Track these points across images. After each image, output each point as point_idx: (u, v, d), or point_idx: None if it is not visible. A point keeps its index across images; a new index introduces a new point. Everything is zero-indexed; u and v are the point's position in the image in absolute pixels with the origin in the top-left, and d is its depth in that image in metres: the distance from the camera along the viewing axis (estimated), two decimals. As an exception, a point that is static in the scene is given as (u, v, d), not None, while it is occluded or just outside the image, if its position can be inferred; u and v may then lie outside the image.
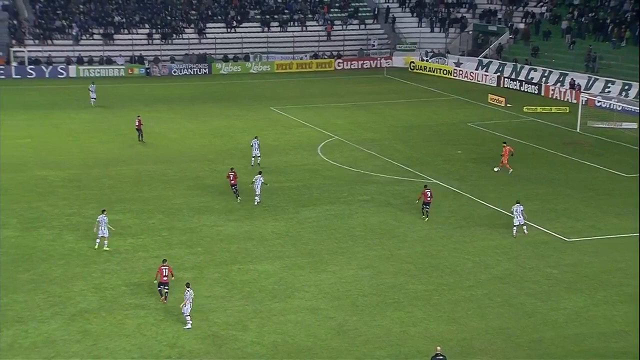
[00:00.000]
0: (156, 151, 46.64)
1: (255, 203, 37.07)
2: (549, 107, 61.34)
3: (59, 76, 72.10)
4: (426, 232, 34.54)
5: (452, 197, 39.34)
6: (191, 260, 30.70)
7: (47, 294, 27.29)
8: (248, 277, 29.32)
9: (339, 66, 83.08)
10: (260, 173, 37.95)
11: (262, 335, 25.07)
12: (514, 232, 33.76)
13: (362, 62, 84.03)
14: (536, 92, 68.15)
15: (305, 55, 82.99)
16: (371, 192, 39.88)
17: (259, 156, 43.75)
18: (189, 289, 25.56)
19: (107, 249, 31.35)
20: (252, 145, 43.98)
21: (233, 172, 37.78)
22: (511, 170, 43.05)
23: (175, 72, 76.77)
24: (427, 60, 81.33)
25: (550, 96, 66.64)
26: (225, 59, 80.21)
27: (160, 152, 46.40)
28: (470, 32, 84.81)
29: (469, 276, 29.96)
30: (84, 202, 36.99)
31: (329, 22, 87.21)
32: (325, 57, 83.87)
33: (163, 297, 27.00)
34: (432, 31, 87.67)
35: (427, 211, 35.76)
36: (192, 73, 77.27)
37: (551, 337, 25.27)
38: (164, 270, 26.97)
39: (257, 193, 37.09)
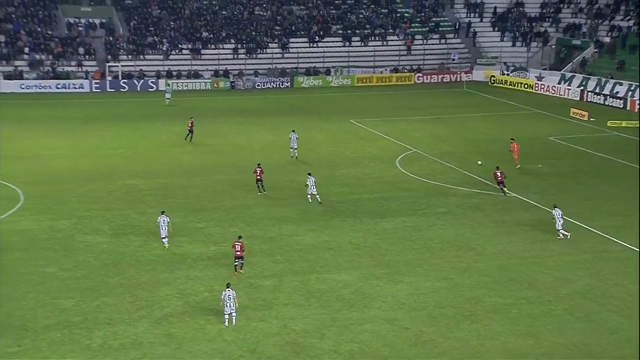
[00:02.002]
0: (239, 162, 47.88)
1: (309, 199, 39.29)
2: (634, 122, 59.79)
3: (149, 89, 74.83)
4: (504, 245, 34.35)
5: (532, 211, 38.94)
6: (271, 269, 31.48)
7: (135, 297, 28.46)
8: (326, 286, 29.85)
9: (419, 80, 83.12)
10: (310, 174, 39.97)
11: (339, 343, 25.49)
12: (561, 235, 34.57)
13: (442, 76, 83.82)
14: (621, 107, 66.52)
15: (386, 69, 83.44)
16: (449, 204, 39.91)
17: (296, 149, 47.97)
18: (228, 290, 26.32)
19: (167, 245, 33.13)
20: (290, 139, 47.93)
21: (260, 167, 40.78)
22: (518, 166, 45.52)
23: (258, 85, 78.50)
24: (508, 74, 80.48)
25: (636, 111, 64.89)
26: (307, 73, 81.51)
27: (243, 162, 47.59)
28: (553, 46, 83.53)
29: (548, 291, 29.67)
30: (170, 210, 38.17)
31: (409, 36, 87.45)
32: (405, 71, 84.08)
33: (238, 270, 30.29)
34: (513, 45, 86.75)
35: (503, 189, 40.04)
36: (274, 86, 78.82)
37: (635, 355, 24.76)
38: (236, 245, 30.35)
39: (314, 193, 39.17)
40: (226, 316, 26.37)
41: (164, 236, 33.19)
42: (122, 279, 30.08)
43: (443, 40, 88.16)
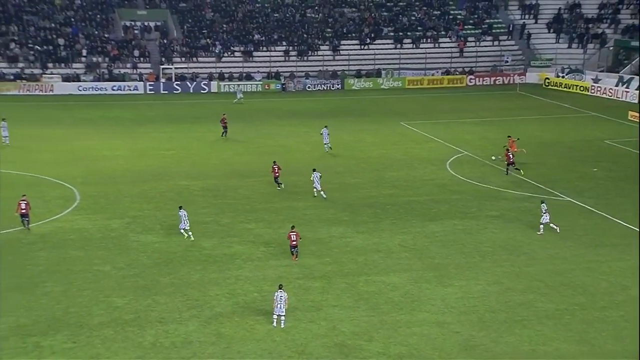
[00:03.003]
0: (289, 163, 48.07)
1: (323, 197, 40.12)
2: (695, 125, 58.20)
3: (202, 91, 75.80)
4: (557, 250, 33.75)
5: (586, 216, 38.20)
6: (320, 270, 31.52)
7: (186, 297, 28.79)
8: (375, 289, 29.75)
9: (471, 82, 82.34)
10: (315, 170, 40.71)
11: (388, 346, 25.38)
12: (541, 230, 35.11)
13: (494, 78, 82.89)
14: (682, 109, 64.69)
15: (437, 72, 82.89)
16: (500, 208, 39.40)
17: (328, 143, 50.19)
18: (280, 291, 26.44)
19: (192, 239, 34.14)
20: (322, 134, 50.31)
21: (277, 165, 42.07)
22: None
23: (309, 87, 78.80)
24: (563, 77, 79.14)
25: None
26: (358, 75, 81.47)
27: (292, 164, 47.80)
28: (611, 48, 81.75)
29: (603, 297, 29.04)
30: (220, 210, 38.77)
31: (462, 38, 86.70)
32: (457, 73, 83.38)
33: (294, 257, 31.83)
34: (569, 47, 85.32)
35: (509, 169, 43.08)
36: (325, 88, 79.02)
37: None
38: (292, 235, 31.97)
39: (318, 189, 40.04)
40: (275, 317, 26.50)
41: (185, 228, 34.33)
42: (174, 278, 30.47)
43: (496, 42, 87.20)
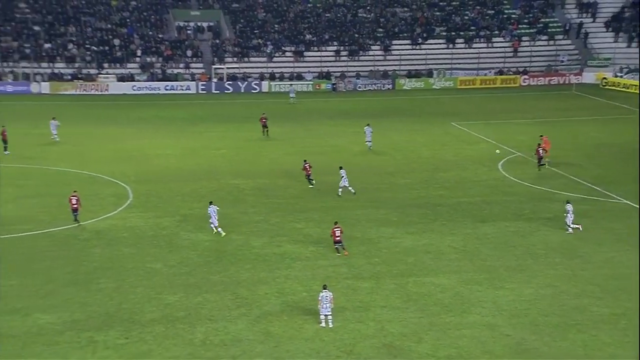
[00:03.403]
0: (337, 163, 47.97)
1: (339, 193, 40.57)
2: None
3: (253, 91, 76.37)
4: (613, 253, 32.95)
5: (644, 219, 37.18)
6: (369, 270, 31.38)
7: (235, 295, 28.97)
8: (424, 290, 29.48)
9: (525, 82, 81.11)
10: (341, 167, 41.22)
11: (437, 348, 25.12)
12: (570, 229, 35.13)
13: (549, 78, 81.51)
14: None
15: (490, 72, 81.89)
16: (554, 210, 38.63)
17: (370, 141, 50.67)
18: (324, 291, 26.38)
19: (223, 234, 34.74)
20: (365, 132, 50.76)
21: (307, 164, 42.51)
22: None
23: (359, 87, 78.67)
24: (621, 77, 77.32)
25: None
26: (409, 75, 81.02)
27: (341, 164, 47.68)
28: (672, 47, 79.72)
29: (660, 302, 28.23)
30: (270, 210, 38.94)
31: (516, 38, 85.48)
32: (511, 73, 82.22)
33: (343, 252, 32.31)
34: (628, 46, 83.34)
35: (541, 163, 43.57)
36: (376, 88, 78.79)
37: None
38: (336, 231, 32.46)
39: (346, 185, 40.48)
40: (322, 317, 26.48)
41: (215, 224, 34.76)
42: (224, 276, 30.70)
43: (551, 42, 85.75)
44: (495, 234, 35.40)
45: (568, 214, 35.40)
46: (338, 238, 32.56)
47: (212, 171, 46.27)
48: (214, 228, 35.06)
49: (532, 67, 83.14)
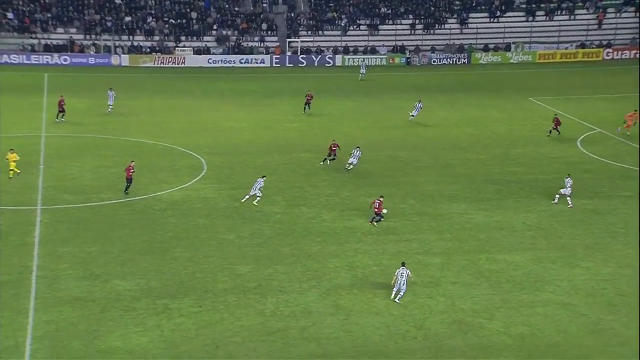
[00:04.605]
0: (410, 138, 47.69)
1: (349, 168, 40.31)
2: None
3: (326, 65, 76.24)
4: (697, 235, 31.73)
5: None
6: (440, 246, 31.15)
7: (306, 267, 29.26)
8: (496, 267, 29.10)
9: (608, 56, 78.31)
10: (358, 147, 41.07)
11: (509, 325, 24.83)
12: (557, 199, 35.51)
13: (634, 51, 78.40)
14: None
15: (571, 45, 79.34)
16: (636, 188, 37.44)
17: (414, 115, 51.25)
18: (402, 268, 26.40)
19: (254, 205, 35.21)
20: (415, 107, 51.45)
21: (335, 143, 42.00)
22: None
23: (434, 61, 77.50)
24: None
25: None
26: (486, 49, 79.34)
27: (414, 139, 47.37)
28: None
29: None
30: (341, 184, 38.98)
31: (601, 9, 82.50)
32: (594, 46, 79.49)
33: (373, 221, 32.95)
34: None
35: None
36: (451, 63, 77.46)
37: None
38: (375, 203, 33.02)
39: (354, 163, 40.34)
40: (394, 290, 26.45)
41: (251, 194, 35.53)
42: (294, 249, 31.00)
43: (638, 14, 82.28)
44: (572, 212, 34.56)
45: (566, 187, 35.35)
46: (377, 210, 32.87)
47: (284, 144, 46.56)
48: (248, 197, 35.74)
49: (616, 40, 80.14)
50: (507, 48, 79.04)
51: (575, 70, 72.67)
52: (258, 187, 35.79)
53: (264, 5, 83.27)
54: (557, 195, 35.86)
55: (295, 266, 29.34)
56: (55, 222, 33.16)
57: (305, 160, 43.13)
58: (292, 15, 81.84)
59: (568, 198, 35.61)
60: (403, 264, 26.81)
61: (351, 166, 40.49)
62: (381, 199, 33.23)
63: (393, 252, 30.46)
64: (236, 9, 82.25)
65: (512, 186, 38.25)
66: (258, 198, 35.64)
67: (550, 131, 47.20)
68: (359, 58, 76.37)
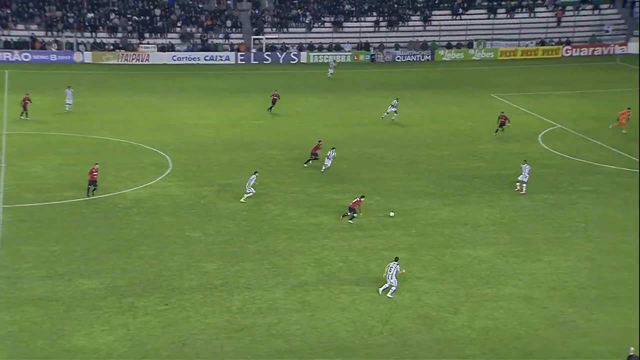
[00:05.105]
0: (375, 135, 47.99)
1: (322, 170, 39.97)
2: None
3: (291, 62, 76.24)
4: (654, 228, 32.53)
5: (687, 193, 36.56)
6: (405, 242, 31.47)
7: (272, 264, 29.34)
8: (461, 262, 29.52)
9: (567, 53, 79.58)
10: (334, 148, 40.56)
11: (473, 319, 25.21)
12: (518, 186, 36.74)
13: (592, 49, 79.81)
14: None
15: (532, 42, 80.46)
16: (595, 182, 38.21)
17: (391, 113, 50.76)
18: (392, 262, 26.73)
19: (243, 201, 35.45)
20: (391, 104, 51.18)
21: (320, 142, 41.77)
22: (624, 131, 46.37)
23: (398, 58, 77.97)
24: (668, 46, 75.46)
25: None
26: (449, 46, 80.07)
27: (380, 136, 47.68)
28: None
29: (701, 277, 27.85)
30: (307, 181, 39.13)
31: (559, 7, 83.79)
32: (553, 44, 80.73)
33: (344, 217, 33.16)
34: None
35: None
36: (415, 60, 78.02)
37: None
38: (355, 201, 33.34)
39: (327, 165, 39.85)
40: (385, 285, 26.74)
41: (248, 191, 35.54)
42: (261, 246, 31.07)
43: (596, 11, 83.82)
44: (533, 207, 35.16)
45: (523, 174, 36.45)
46: (352, 206, 33.25)
47: (250, 142, 46.53)
48: (246, 196, 35.71)
49: (575, 37, 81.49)
50: (470, 45, 79.87)
51: (535, 67, 73.73)
52: (251, 183, 35.69)
53: (228, 2, 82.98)
54: (518, 183, 36.80)
55: (262, 263, 29.41)
56: (18, 221, 32.78)
57: (271, 158, 43.17)
58: (257, 12, 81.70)
59: (524, 185, 36.63)
60: (396, 259, 27.10)
61: (324, 167, 40.29)
62: (362, 199, 33.33)
63: (359, 248, 30.70)
64: (200, 5, 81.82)
65: (476, 182, 38.78)
66: (249, 194, 35.67)
67: (497, 130, 47.29)
68: (325, 55, 76.46)
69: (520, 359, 23.16)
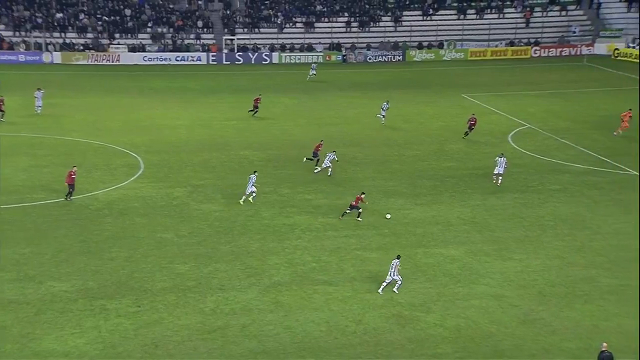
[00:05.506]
0: (347, 135, 48.16)
1: (315, 171, 39.94)
2: None
3: (263, 62, 76.21)
4: (622, 225, 33.08)
5: (653, 191, 37.20)
6: (377, 241, 31.62)
7: (245, 265, 29.28)
8: (433, 261, 29.74)
9: (536, 54, 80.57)
10: (334, 151, 40.17)
11: (445, 318, 25.41)
12: (494, 178, 38.05)
13: (560, 49, 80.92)
14: None
15: (501, 43, 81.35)
16: (564, 181, 38.72)
17: (383, 116, 50.42)
18: (395, 260, 27.04)
19: (249, 202, 35.41)
20: (382, 107, 50.58)
21: (322, 142, 41.52)
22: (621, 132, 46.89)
23: (370, 59, 78.36)
24: (634, 47, 76.66)
25: None
26: (420, 47, 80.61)
27: (352, 136, 47.85)
28: (686, 17, 78.87)
29: (667, 274, 28.36)
30: (280, 181, 39.14)
31: (528, 8, 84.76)
32: (522, 44, 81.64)
33: (343, 216, 33.45)
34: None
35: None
36: (386, 60, 78.45)
37: None
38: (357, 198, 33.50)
39: (327, 166, 39.47)
40: (385, 283, 26.91)
41: (248, 192, 35.31)
42: (234, 246, 31.01)
43: (563, 12, 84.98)
44: (504, 206, 35.53)
45: (498, 166, 37.89)
46: (354, 203, 33.47)
47: (222, 142, 46.42)
48: (244, 197, 35.67)
49: (543, 38, 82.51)
50: (440, 45, 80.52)
51: (505, 68, 74.51)
52: (251, 183, 35.52)
53: (199, 2, 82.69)
54: (494, 176, 37.80)
55: (235, 264, 29.36)
56: (-13, 223, 32.37)
57: (243, 158, 43.11)
58: (228, 12, 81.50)
59: (500, 177, 37.57)
60: (398, 257, 27.31)
61: (318, 169, 40.11)
62: (362, 195, 33.61)
63: (332, 248, 30.78)
64: (171, 6, 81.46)
65: (447, 181, 39.10)
66: (254, 195, 35.54)
67: (466, 133, 47.25)
68: (297, 55, 76.47)
69: (492, 357, 23.39)
